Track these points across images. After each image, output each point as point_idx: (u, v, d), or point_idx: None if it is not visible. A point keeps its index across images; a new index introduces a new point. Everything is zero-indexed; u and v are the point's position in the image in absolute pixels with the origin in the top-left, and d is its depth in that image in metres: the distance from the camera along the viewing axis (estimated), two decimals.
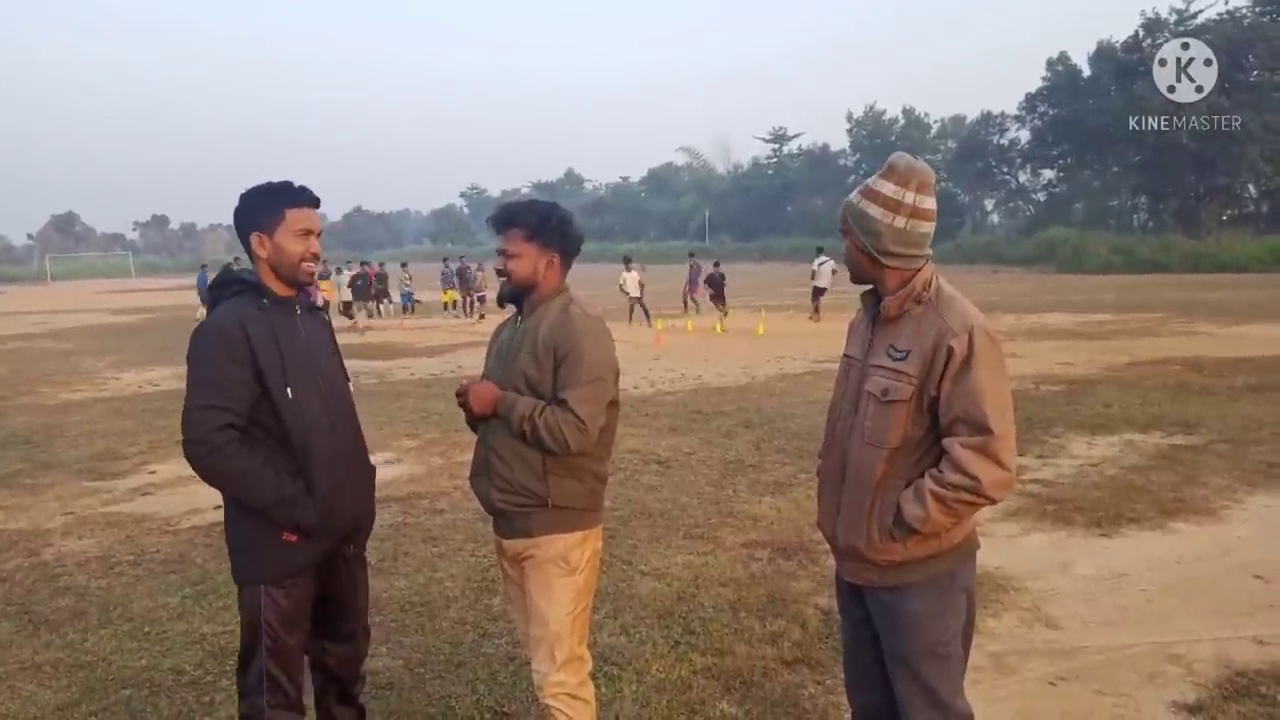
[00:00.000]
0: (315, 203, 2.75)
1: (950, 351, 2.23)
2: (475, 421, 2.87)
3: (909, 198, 2.33)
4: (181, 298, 29.50)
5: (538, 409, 2.67)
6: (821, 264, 22.95)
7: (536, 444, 2.69)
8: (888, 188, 2.34)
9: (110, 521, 6.47)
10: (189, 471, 8.53)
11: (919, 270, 2.37)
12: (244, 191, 2.73)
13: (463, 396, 2.83)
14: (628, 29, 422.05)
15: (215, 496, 7.34)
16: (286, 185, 2.72)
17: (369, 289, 27.59)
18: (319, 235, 2.77)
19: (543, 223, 2.81)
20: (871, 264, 2.39)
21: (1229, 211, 54.48)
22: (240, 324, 2.58)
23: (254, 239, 2.68)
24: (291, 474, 2.62)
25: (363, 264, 30.38)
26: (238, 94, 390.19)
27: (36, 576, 5.36)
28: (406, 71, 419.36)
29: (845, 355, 2.58)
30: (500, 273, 2.85)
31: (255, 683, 2.68)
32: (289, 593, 2.68)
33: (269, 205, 2.69)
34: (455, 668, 4.01)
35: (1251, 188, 53.83)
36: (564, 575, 2.77)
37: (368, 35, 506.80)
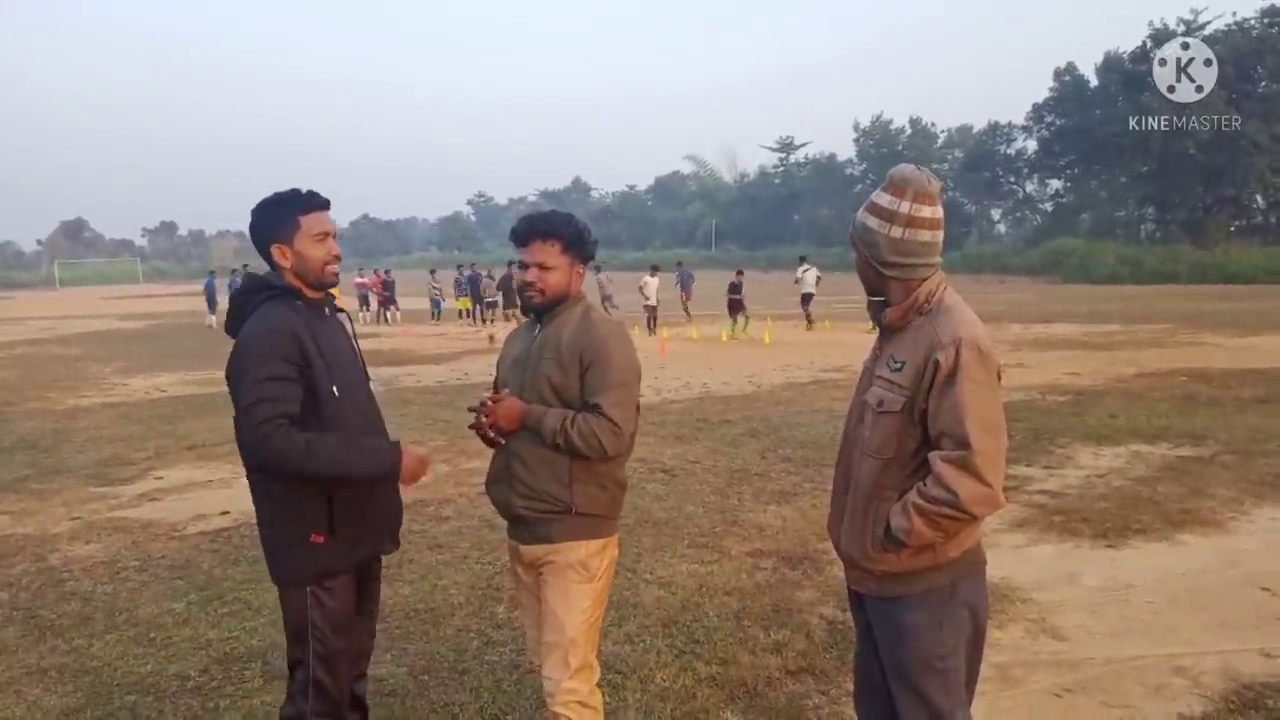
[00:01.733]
0: (326, 205, 2.78)
1: (937, 365, 2.22)
2: (496, 437, 2.80)
3: (904, 207, 2.30)
4: (190, 304, 29.64)
5: (569, 418, 2.67)
6: (805, 271, 23.16)
7: (570, 453, 2.68)
8: (884, 199, 2.35)
9: (117, 527, 6.48)
10: (195, 477, 8.51)
11: (923, 281, 2.34)
12: (255, 206, 2.75)
13: (483, 418, 2.75)
14: (635, 39, 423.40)
15: (221, 503, 7.33)
16: (295, 192, 2.75)
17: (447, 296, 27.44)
18: (335, 236, 2.81)
19: (579, 235, 2.82)
20: (877, 275, 2.39)
21: (1237, 222, 54.46)
22: (289, 325, 2.61)
23: (275, 251, 2.71)
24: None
25: (510, 263, 29.72)
26: (246, 104, 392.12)
27: (43, 581, 5.38)
28: (414, 81, 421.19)
29: (864, 365, 2.59)
30: (527, 284, 2.80)
31: (302, 687, 2.70)
32: (334, 593, 2.70)
33: (283, 215, 2.71)
34: (459, 675, 4.01)
35: (1259, 199, 53.80)
36: (583, 582, 2.76)
37: (375, 47, 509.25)
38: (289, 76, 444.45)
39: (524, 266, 2.82)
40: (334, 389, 2.66)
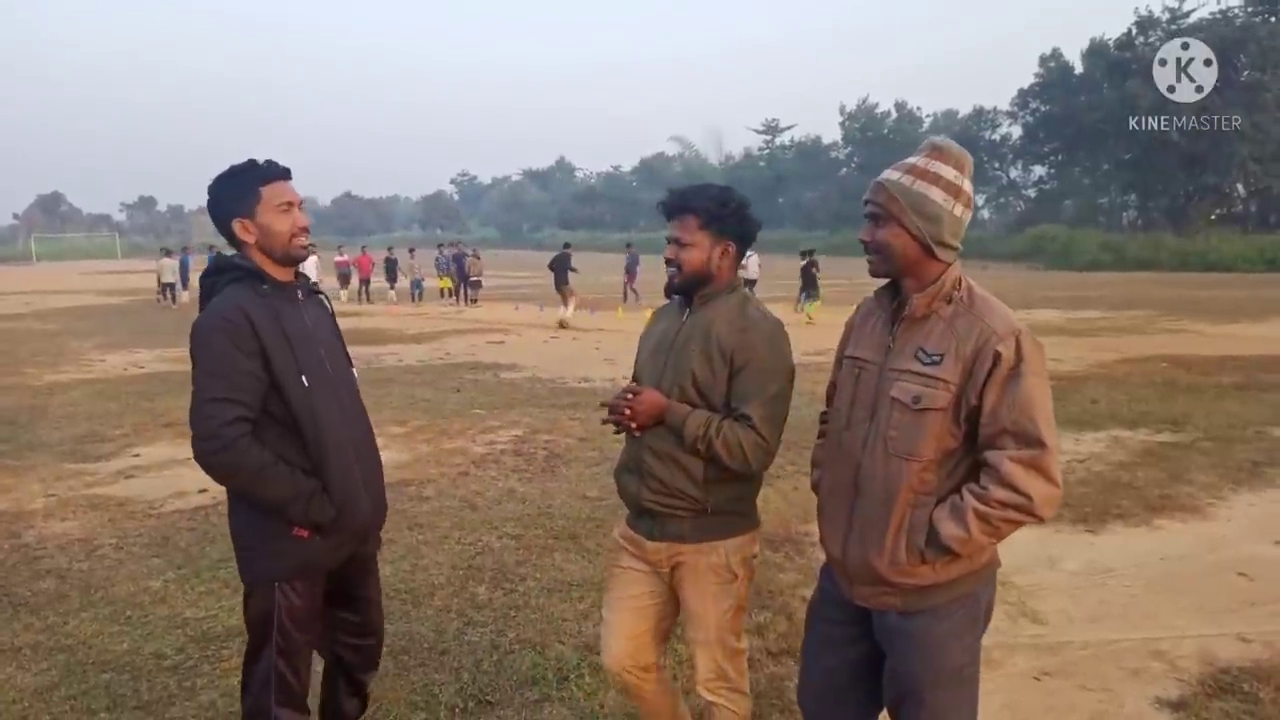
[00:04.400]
0: (287, 174, 2.60)
1: (997, 357, 2.03)
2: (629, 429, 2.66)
3: (966, 185, 2.15)
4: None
5: (714, 425, 2.49)
6: (749, 257, 23.73)
7: (711, 459, 2.52)
8: (948, 171, 2.13)
9: (93, 504, 6.41)
10: (173, 454, 8.41)
11: (949, 266, 2.16)
12: (212, 181, 2.58)
13: (620, 411, 2.59)
14: (621, 17, 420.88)
15: (200, 481, 7.25)
16: (252, 163, 2.57)
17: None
18: (300, 206, 2.62)
19: (719, 209, 2.60)
20: (921, 254, 2.14)
21: (1218, 211, 54.85)
22: (243, 312, 2.42)
23: (237, 225, 2.53)
24: (305, 469, 2.50)
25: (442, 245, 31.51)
26: (227, 77, 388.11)
27: (17, 558, 5.31)
28: (398, 56, 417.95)
29: (850, 357, 2.33)
30: (670, 262, 2.64)
31: (262, 680, 2.58)
32: (301, 591, 2.56)
33: (242, 187, 2.54)
34: (439, 655, 3.99)
35: (1240, 187, 54.18)
36: (723, 584, 2.62)
37: (359, 19, 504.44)
38: (270, 44, 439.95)
39: (668, 242, 2.67)
40: (303, 378, 2.48)
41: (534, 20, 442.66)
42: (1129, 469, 6.92)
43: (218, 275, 2.58)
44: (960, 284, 2.15)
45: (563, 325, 19.34)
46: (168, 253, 29.13)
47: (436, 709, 3.54)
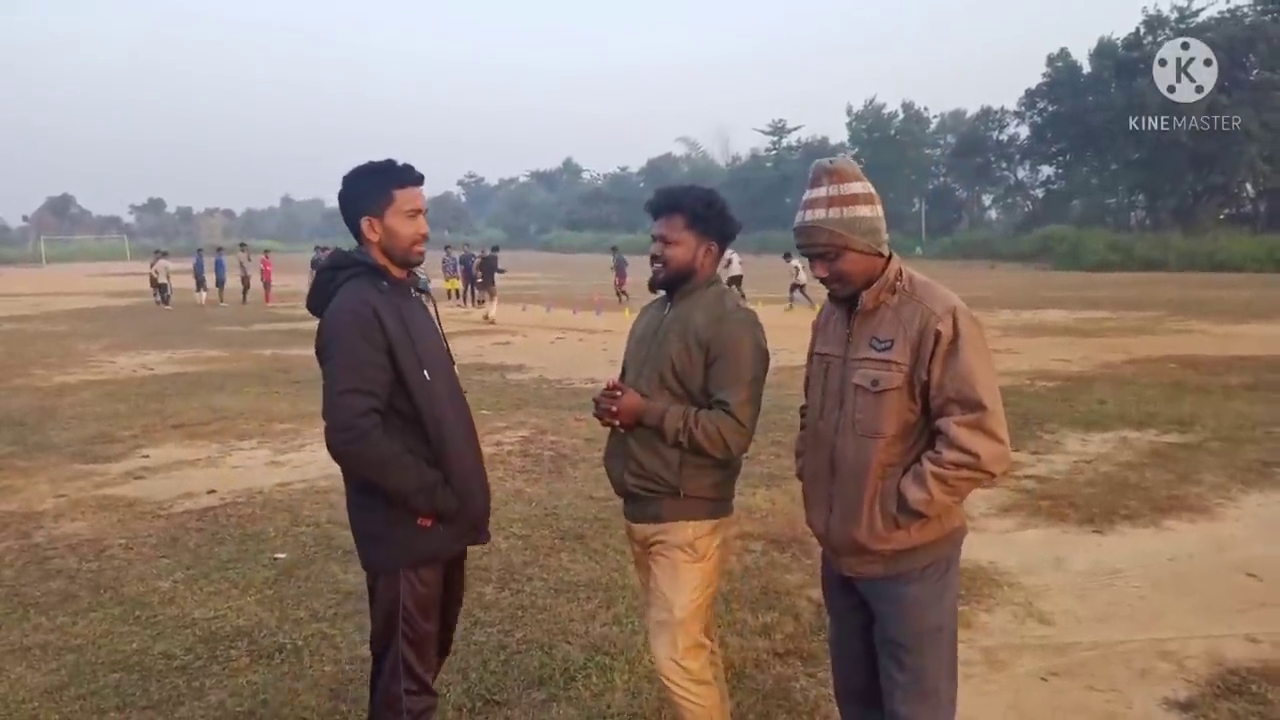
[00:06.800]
0: (421, 180, 2.67)
1: (937, 335, 2.27)
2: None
3: (870, 187, 2.38)
4: (178, 282, 29.44)
5: (691, 416, 2.63)
6: (730, 255, 24.04)
7: (694, 450, 2.65)
8: (856, 186, 2.35)
9: (102, 505, 6.44)
10: (182, 455, 8.43)
11: (889, 260, 2.39)
12: (348, 174, 2.66)
13: (604, 410, 2.75)
14: (628, 18, 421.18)
15: (208, 481, 7.27)
16: (390, 164, 2.65)
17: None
18: (425, 213, 2.70)
19: (705, 209, 2.76)
20: (874, 261, 2.37)
21: (1226, 211, 54.55)
22: (371, 306, 2.50)
23: (364, 223, 2.60)
24: (428, 460, 2.57)
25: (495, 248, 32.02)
26: (235, 78, 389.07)
27: (27, 558, 5.34)
28: (404, 57, 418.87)
29: (818, 354, 2.60)
30: (655, 258, 2.77)
31: (392, 670, 2.65)
32: (425, 578, 2.65)
33: (377, 187, 2.61)
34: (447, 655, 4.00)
35: (1249, 187, 53.87)
36: (691, 562, 2.73)
37: (366, 20, 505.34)
38: (277, 46, 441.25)
39: (653, 239, 2.80)
40: (425, 373, 2.57)
41: (541, 23, 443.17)
42: (1137, 469, 6.90)
43: (335, 270, 2.64)
44: (901, 274, 2.40)
45: (488, 320, 21.25)
46: (163, 255, 29.57)
47: (444, 708, 3.54)
